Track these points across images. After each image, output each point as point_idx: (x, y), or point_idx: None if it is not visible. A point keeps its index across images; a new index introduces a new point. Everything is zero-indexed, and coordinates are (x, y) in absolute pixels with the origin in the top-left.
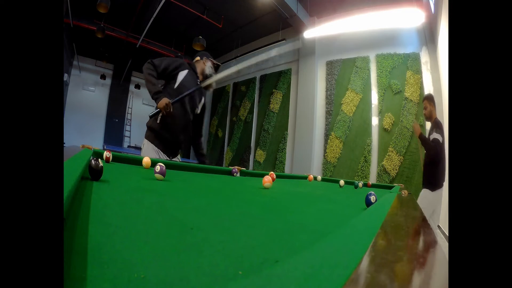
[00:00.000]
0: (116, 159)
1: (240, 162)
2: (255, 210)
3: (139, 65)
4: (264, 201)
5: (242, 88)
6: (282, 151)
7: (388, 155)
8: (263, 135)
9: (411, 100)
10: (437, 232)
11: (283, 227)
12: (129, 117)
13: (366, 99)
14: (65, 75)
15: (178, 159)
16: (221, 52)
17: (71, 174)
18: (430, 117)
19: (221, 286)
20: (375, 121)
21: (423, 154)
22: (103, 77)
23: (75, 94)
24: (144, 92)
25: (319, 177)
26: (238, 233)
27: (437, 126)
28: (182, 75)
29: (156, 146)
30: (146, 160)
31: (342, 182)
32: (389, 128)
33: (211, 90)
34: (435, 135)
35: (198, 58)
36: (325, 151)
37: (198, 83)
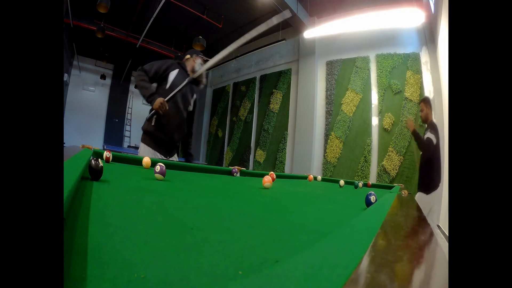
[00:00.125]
0: (116, 159)
1: (240, 162)
2: (255, 210)
3: (139, 65)
4: (264, 201)
5: (242, 88)
6: (282, 151)
7: (388, 155)
8: (263, 135)
9: (411, 100)
10: (437, 232)
11: (283, 227)
12: (129, 117)
13: (366, 99)
14: (65, 75)
15: (175, 158)
16: None
17: (71, 174)
18: (426, 119)
19: (221, 286)
20: (375, 121)
21: (419, 156)
22: (103, 77)
23: (75, 94)
24: None
25: (319, 177)
26: (238, 233)
27: (432, 127)
28: (173, 75)
29: (152, 148)
30: (146, 160)
31: (342, 182)
32: (389, 128)
33: (201, 86)
34: (429, 135)
35: (188, 56)
36: (325, 151)
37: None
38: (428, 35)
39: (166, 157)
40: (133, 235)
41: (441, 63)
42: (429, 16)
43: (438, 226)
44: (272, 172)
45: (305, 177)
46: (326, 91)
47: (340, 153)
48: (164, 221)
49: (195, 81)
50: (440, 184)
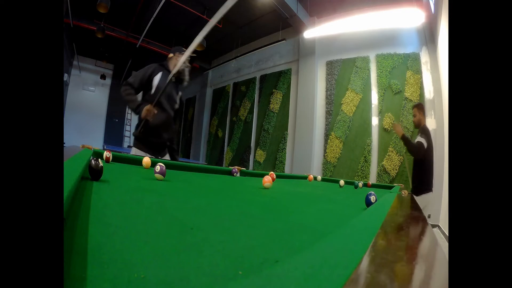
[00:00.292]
0: (116, 159)
1: (240, 162)
2: (255, 210)
3: (139, 65)
4: (264, 201)
5: (242, 88)
6: (282, 151)
7: (388, 155)
8: (263, 135)
9: (411, 100)
10: (437, 232)
11: (283, 227)
12: (129, 117)
13: (366, 99)
14: (65, 75)
15: (167, 157)
16: (221, 52)
17: (71, 174)
18: (419, 124)
19: (221, 286)
20: (375, 121)
21: (410, 160)
22: (103, 77)
23: (75, 94)
24: None
25: (319, 177)
26: (238, 233)
27: (423, 131)
28: (156, 79)
29: (143, 150)
30: (146, 160)
31: (342, 182)
32: (389, 128)
33: (185, 84)
34: (420, 139)
35: (171, 55)
36: (325, 151)
37: (173, 79)
38: (428, 35)
39: (157, 158)
40: (133, 235)
41: (441, 63)
42: (429, 16)
43: (438, 226)
44: (272, 172)
45: (305, 177)
46: (326, 91)
47: (340, 153)
48: (164, 221)
49: (178, 80)
50: (440, 185)
